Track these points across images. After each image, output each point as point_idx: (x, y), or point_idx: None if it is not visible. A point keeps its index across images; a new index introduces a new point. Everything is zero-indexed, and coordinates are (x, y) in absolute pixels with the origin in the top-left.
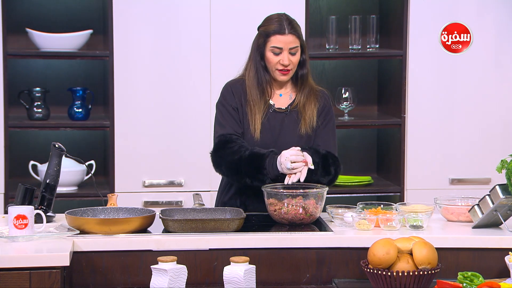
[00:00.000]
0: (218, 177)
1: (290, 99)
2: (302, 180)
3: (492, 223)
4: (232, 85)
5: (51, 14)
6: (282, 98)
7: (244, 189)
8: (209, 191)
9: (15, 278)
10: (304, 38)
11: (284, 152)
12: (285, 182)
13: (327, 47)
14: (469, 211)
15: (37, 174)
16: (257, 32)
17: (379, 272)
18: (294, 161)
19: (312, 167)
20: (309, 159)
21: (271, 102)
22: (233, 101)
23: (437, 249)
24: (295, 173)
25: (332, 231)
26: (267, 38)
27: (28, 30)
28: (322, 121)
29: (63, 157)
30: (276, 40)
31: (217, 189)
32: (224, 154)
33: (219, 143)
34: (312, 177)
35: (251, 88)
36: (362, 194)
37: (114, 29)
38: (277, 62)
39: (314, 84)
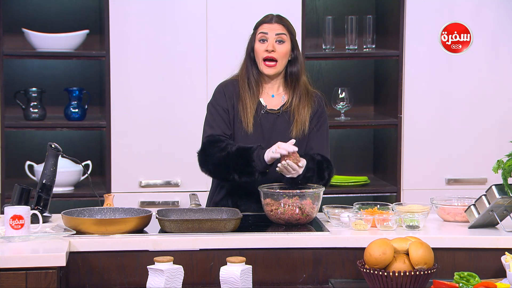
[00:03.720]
0: None
1: (283, 100)
2: (294, 174)
3: (488, 223)
4: (224, 86)
5: (48, 14)
6: (275, 99)
7: (235, 189)
8: (205, 191)
9: (11, 278)
10: (295, 35)
11: (279, 142)
12: (277, 169)
13: (323, 47)
14: (465, 211)
15: (33, 174)
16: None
17: (376, 272)
18: (279, 147)
19: (301, 164)
20: (303, 162)
21: (263, 103)
22: (224, 103)
23: (434, 249)
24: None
25: (328, 231)
26: (256, 30)
27: (24, 30)
28: (315, 124)
29: (60, 157)
30: (262, 27)
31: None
32: (212, 152)
33: (207, 142)
34: (308, 183)
35: (243, 84)
36: (359, 194)
37: (110, 29)
38: (263, 50)
39: (310, 86)
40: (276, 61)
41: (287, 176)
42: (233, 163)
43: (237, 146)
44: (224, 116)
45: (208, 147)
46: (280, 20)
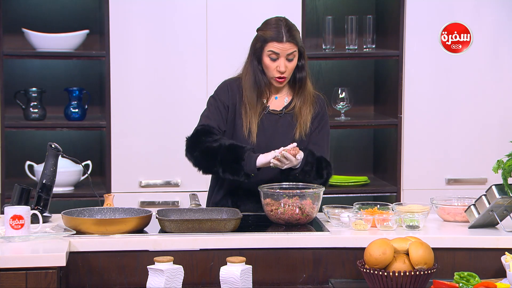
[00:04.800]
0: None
1: (286, 101)
2: (289, 164)
3: (488, 223)
4: (229, 83)
5: (48, 14)
6: (278, 100)
7: (235, 189)
8: (205, 191)
9: (11, 278)
10: (302, 41)
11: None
12: (271, 165)
13: (323, 47)
14: (465, 211)
15: (33, 174)
16: (255, 33)
17: (376, 272)
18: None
19: (300, 158)
20: (300, 155)
21: (266, 104)
22: (226, 99)
23: (434, 249)
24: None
25: (328, 231)
26: (264, 44)
27: (25, 30)
28: (316, 126)
29: (60, 157)
30: (273, 46)
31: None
32: (203, 140)
33: (201, 130)
34: (306, 179)
35: (247, 90)
36: (359, 194)
37: (110, 29)
38: (274, 68)
39: (312, 88)
40: (286, 76)
41: (283, 167)
42: (221, 156)
43: (231, 142)
44: (223, 111)
45: (201, 135)
46: (290, 36)
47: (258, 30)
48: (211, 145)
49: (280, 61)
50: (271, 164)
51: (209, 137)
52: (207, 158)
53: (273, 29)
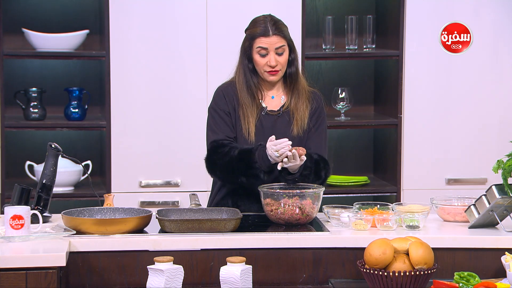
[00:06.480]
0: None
1: (282, 101)
2: (292, 165)
3: (488, 223)
4: (223, 89)
5: (48, 14)
6: (274, 100)
7: (236, 189)
8: (205, 191)
9: (11, 278)
10: (291, 37)
11: (267, 145)
12: (279, 167)
13: (323, 47)
14: (465, 211)
15: (33, 174)
16: (244, 35)
17: (376, 272)
18: (277, 150)
19: (304, 158)
20: (303, 156)
21: (263, 104)
22: (224, 106)
23: (434, 249)
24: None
25: (328, 231)
26: (252, 41)
27: (25, 30)
28: (314, 124)
29: (60, 157)
30: (260, 42)
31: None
32: (217, 158)
33: (212, 149)
34: (304, 181)
35: (241, 92)
36: (359, 194)
37: (110, 29)
38: (264, 63)
39: (307, 84)
40: (278, 70)
41: (286, 165)
42: (237, 167)
43: (239, 149)
44: (226, 119)
45: (213, 154)
46: (276, 29)
47: (246, 30)
48: (224, 161)
49: (270, 56)
50: (285, 159)
51: (220, 153)
52: (227, 174)
53: (260, 26)
